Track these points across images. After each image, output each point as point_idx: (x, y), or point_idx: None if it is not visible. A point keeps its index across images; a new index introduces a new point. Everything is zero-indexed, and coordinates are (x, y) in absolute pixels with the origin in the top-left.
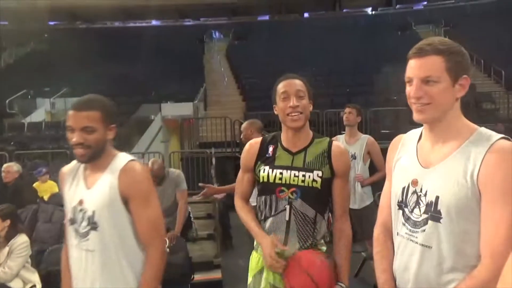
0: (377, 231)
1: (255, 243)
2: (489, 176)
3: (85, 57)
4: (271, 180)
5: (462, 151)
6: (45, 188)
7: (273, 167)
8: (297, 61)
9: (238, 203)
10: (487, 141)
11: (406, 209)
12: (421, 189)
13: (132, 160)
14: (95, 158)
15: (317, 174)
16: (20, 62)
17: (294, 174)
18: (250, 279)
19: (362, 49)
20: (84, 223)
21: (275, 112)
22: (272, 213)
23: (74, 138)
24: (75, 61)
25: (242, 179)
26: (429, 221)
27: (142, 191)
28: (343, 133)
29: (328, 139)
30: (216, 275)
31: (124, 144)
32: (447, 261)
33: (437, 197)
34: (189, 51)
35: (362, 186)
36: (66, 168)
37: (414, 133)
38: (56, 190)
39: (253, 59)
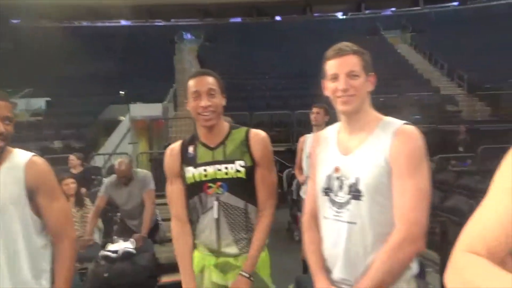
0: (304, 218)
1: (196, 241)
2: (397, 154)
3: (51, 57)
4: (197, 178)
5: (373, 137)
6: None
7: (196, 165)
8: (269, 63)
9: (174, 229)
10: (393, 127)
11: (331, 194)
12: (343, 174)
13: (34, 155)
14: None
15: (239, 164)
16: None
17: (217, 168)
18: None
19: None
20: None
21: (187, 108)
22: (203, 211)
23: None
24: (39, 61)
25: (172, 192)
26: (352, 200)
27: (51, 183)
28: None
29: (245, 128)
30: None
31: (91, 145)
32: (370, 233)
33: (357, 178)
34: (160, 51)
35: None
36: None
37: (331, 128)
38: None
39: (224, 60)
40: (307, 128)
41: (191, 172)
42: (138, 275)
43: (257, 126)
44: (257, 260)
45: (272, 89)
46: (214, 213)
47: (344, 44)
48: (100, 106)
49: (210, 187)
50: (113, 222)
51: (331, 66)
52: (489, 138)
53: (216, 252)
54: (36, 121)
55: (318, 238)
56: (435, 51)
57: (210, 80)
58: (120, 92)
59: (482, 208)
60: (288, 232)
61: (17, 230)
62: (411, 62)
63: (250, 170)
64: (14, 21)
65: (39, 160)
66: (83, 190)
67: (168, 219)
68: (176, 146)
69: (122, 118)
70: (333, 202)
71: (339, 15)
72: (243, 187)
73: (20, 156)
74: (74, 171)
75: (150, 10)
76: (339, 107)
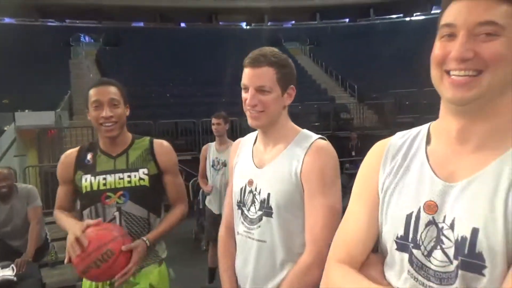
0: (220, 232)
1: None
2: (308, 172)
3: None
4: (94, 187)
5: (287, 151)
6: None
7: (95, 173)
8: (173, 69)
9: (55, 212)
10: (307, 142)
11: (244, 208)
12: (255, 188)
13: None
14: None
15: (143, 172)
16: None
17: (119, 176)
18: None
19: (238, 61)
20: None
21: (88, 118)
22: None
23: None
24: None
25: (61, 192)
26: (263, 217)
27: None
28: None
29: (148, 138)
30: None
31: None
32: (280, 252)
33: (269, 194)
34: (52, 54)
35: None
36: None
37: (250, 136)
38: None
39: (126, 66)
40: (213, 136)
41: (89, 180)
42: None
43: (161, 135)
44: (160, 234)
45: (176, 97)
46: (116, 223)
47: (262, 53)
48: None
49: (109, 197)
50: None
51: (244, 75)
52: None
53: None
54: None
55: (232, 253)
56: (331, 63)
57: (113, 90)
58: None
59: (345, 218)
60: (195, 242)
61: None
62: (310, 73)
63: (154, 178)
64: None
65: None
66: None
67: (59, 239)
68: (73, 151)
69: (6, 127)
70: (245, 217)
71: (243, 25)
72: (146, 195)
73: None
74: None
75: (40, 8)
76: (248, 121)
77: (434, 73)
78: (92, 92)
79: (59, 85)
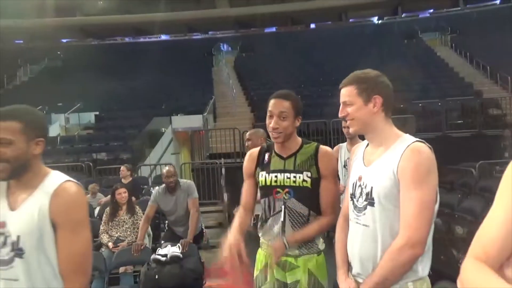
0: (340, 218)
1: (260, 240)
2: (404, 168)
3: (97, 73)
4: (268, 183)
5: (389, 152)
6: None
7: (269, 171)
8: (304, 71)
9: (238, 214)
10: (406, 143)
11: (354, 199)
12: (363, 183)
13: (67, 180)
14: (16, 175)
15: (307, 175)
16: (34, 79)
17: (287, 176)
18: (256, 273)
19: (370, 58)
20: (6, 249)
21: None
22: (271, 214)
23: None
24: (87, 77)
25: (245, 186)
26: (368, 207)
27: (73, 220)
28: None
29: (315, 144)
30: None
31: (137, 156)
32: (380, 236)
33: (372, 188)
34: (198, 64)
35: None
36: None
37: (364, 142)
38: None
39: (260, 70)
40: (344, 136)
41: (264, 176)
42: (185, 278)
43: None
44: (301, 240)
45: (307, 98)
46: (281, 215)
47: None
48: (144, 119)
49: (278, 192)
50: (161, 229)
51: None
52: None
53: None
54: (87, 134)
55: (344, 237)
56: (476, 53)
57: (285, 104)
58: (163, 105)
59: (486, 217)
60: (327, 237)
61: (40, 261)
62: (451, 65)
63: (315, 181)
64: (64, 40)
65: (71, 188)
66: (133, 198)
67: (211, 227)
68: (255, 151)
69: (164, 130)
70: (355, 206)
71: (375, 20)
72: (307, 195)
73: (53, 182)
74: (124, 181)
75: (188, 24)
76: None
77: None
78: (269, 102)
79: (204, 91)
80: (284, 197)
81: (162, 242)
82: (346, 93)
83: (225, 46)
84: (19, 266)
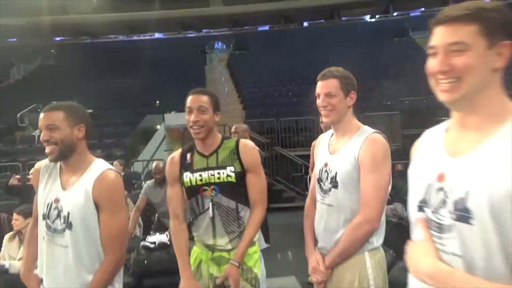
0: (307, 200)
1: (195, 238)
2: (363, 156)
3: (91, 71)
4: (193, 183)
5: (351, 141)
6: None
7: (193, 171)
8: (295, 69)
9: (172, 226)
10: (365, 134)
11: (321, 183)
12: (329, 168)
13: (108, 169)
14: (65, 156)
15: (230, 170)
16: (28, 77)
17: (210, 173)
18: (192, 269)
19: (361, 56)
20: (60, 221)
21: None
22: (201, 211)
23: (41, 136)
24: (81, 75)
25: (172, 194)
26: (332, 189)
27: (112, 202)
28: None
29: (235, 139)
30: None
31: (131, 153)
32: (342, 214)
33: (336, 172)
34: (191, 62)
35: None
36: (40, 165)
37: (328, 132)
38: None
39: (253, 68)
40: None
41: (189, 177)
42: (173, 263)
43: (283, 131)
44: (245, 251)
45: (297, 95)
46: (209, 212)
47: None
48: (137, 116)
49: (205, 189)
50: (151, 221)
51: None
52: None
53: (211, 247)
54: None
55: (312, 216)
56: None
57: (203, 98)
58: (156, 102)
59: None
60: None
61: (84, 234)
62: None
63: (240, 175)
64: (57, 39)
65: (111, 175)
66: (125, 192)
67: None
68: (176, 154)
69: (158, 127)
70: (321, 189)
71: (367, 18)
72: (233, 189)
73: (97, 169)
74: None
75: (182, 22)
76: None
77: (431, 81)
78: (187, 99)
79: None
80: (211, 194)
81: (152, 232)
82: (331, 84)
83: (219, 44)
84: (69, 236)
